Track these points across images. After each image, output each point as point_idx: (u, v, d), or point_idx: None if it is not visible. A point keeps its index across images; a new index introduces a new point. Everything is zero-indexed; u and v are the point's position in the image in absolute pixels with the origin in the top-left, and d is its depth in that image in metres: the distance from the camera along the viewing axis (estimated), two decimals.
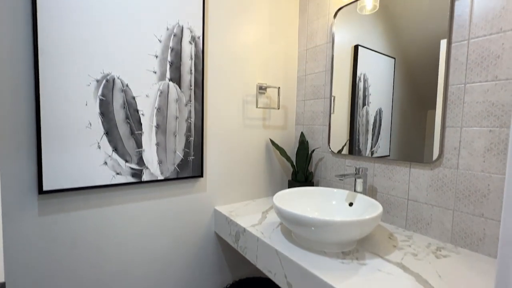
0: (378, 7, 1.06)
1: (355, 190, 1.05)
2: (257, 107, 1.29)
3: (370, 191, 1.10)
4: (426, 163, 0.92)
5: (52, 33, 0.81)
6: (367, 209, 0.92)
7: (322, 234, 0.76)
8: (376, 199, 1.09)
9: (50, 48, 0.81)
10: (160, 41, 1.01)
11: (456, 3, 0.84)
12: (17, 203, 0.80)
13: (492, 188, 0.77)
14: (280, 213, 0.84)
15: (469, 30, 0.81)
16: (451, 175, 0.86)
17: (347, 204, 1.02)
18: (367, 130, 1.12)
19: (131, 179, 0.98)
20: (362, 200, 0.97)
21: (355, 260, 0.75)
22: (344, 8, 1.19)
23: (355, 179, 1.04)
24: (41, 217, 0.84)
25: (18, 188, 0.80)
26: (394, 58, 1.02)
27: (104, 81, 0.90)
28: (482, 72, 0.79)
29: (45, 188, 0.82)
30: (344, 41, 1.20)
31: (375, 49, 1.08)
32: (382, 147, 1.06)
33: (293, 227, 0.82)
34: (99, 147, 0.91)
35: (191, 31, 1.07)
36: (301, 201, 1.05)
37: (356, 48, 1.15)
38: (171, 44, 1.03)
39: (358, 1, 1.13)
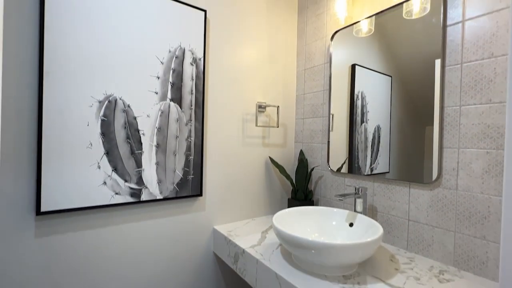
0: (373, 30, 1.10)
1: (355, 210, 1.04)
2: (256, 125, 1.30)
3: (370, 211, 1.10)
4: (425, 184, 0.92)
5: (58, 55, 0.83)
6: (367, 230, 0.91)
7: (322, 257, 0.75)
8: (376, 219, 1.08)
9: (55, 70, 0.83)
10: (162, 63, 1.03)
11: (448, 28, 0.87)
12: (13, 225, 0.79)
13: (493, 210, 0.77)
14: (280, 234, 0.83)
15: (461, 54, 0.84)
16: (451, 196, 0.86)
17: (347, 224, 1.00)
18: (366, 147, 1.13)
19: (130, 199, 0.97)
20: (362, 220, 0.96)
21: (357, 285, 0.74)
22: (341, 31, 1.23)
23: (355, 199, 1.04)
24: (37, 238, 0.83)
25: (15, 209, 0.80)
26: (391, 76, 1.04)
27: (106, 102, 0.92)
28: (476, 95, 0.81)
29: (43, 209, 0.82)
30: (341, 60, 1.23)
31: (371, 68, 1.11)
32: (382, 164, 1.06)
33: (293, 250, 0.80)
34: (99, 167, 0.91)
35: (192, 53, 1.10)
36: (301, 222, 1.04)
37: (353, 67, 1.19)
38: (173, 66, 1.06)
39: (354, 25, 1.17)
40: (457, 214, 0.84)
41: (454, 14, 0.86)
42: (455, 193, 0.85)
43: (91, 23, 0.88)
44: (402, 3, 1.00)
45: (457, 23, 0.85)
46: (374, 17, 1.10)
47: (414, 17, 0.96)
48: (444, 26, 0.88)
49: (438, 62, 0.89)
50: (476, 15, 0.81)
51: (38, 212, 0.81)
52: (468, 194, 0.82)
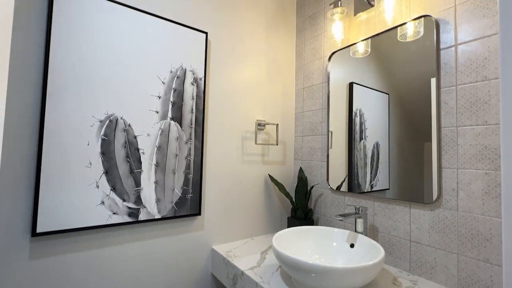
0: (369, 51, 1.14)
1: (355, 230, 1.02)
2: (256, 143, 1.31)
3: (371, 231, 1.08)
4: (426, 204, 0.92)
5: (62, 76, 0.85)
6: (369, 251, 0.89)
7: (323, 281, 0.73)
8: (377, 239, 1.06)
9: (58, 90, 0.85)
10: (163, 82, 1.05)
11: (442, 52, 0.90)
12: (7, 246, 0.78)
13: (495, 232, 0.76)
14: (280, 257, 0.81)
15: (456, 77, 0.86)
16: (452, 217, 0.85)
17: (348, 245, 0.99)
18: (365, 164, 1.13)
19: (128, 219, 0.96)
20: (363, 241, 0.95)
21: None
22: (338, 52, 1.27)
23: (355, 219, 1.03)
24: (32, 260, 0.81)
25: (9, 229, 0.78)
26: (388, 94, 1.06)
27: (107, 121, 0.93)
28: (472, 116, 0.82)
29: (38, 230, 0.80)
30: (339, 79, 1.26)
31: (369, 86, 1.13)
32: (382, 181, 1.06)
33: (293, 273, 0.78)
34: (97, 187, 0.90)
35: (193, 73, 1.13)
36: (301, 242, 1.02)
37: (351, 85, 1.21)
38: (174, 86, 1.08)
39: (351, 46, 1.21)
40: (459, 236, 0.83)
41: (446, 39, 0.89)
42: (456, 214, 0.84)
43: (95, 46, 0.91)
44: (396, 27, 1.04)
45: (450, 47, 0.88)
46: (370, 39, 1.13)
47: (408, 39, 1.00)
48: (438, 49, 0.91)
49: (433, 81, 0.91)
50: (468, 39, 0.84)
51: (34, 233, 0.80)
52: (469, 215, 0.81)
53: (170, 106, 1.07)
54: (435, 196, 0.89)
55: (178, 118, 1.08)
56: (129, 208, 0.96)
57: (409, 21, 0.99)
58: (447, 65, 0.88)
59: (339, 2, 1.17)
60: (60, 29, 0.85)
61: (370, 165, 1.11)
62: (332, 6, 1.19)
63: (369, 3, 1.15)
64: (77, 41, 0.88)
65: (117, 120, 0.95)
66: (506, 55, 0.53)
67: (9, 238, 0.78)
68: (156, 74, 1.04)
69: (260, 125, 1.34)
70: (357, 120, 1.18)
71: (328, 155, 1.29)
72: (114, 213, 0.93)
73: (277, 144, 1.37)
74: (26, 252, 0.80)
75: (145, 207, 1.00)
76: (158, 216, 1.02)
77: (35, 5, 0.83)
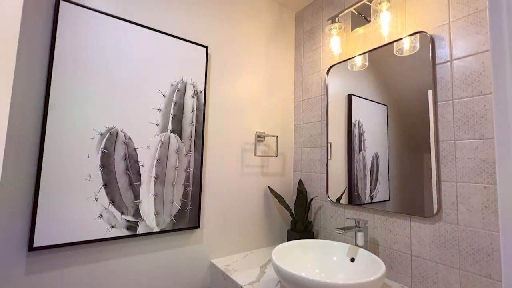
0: (367, 65, 1.16)
1: (356, 244, 1.01)
2: (255, 155, 1.31)
3: (371, 244, 1.07)
4: (426, 217, 0.91)
5: (64, 90, 0.86)
6: (369, 266, 0.88)
7: None
8: (378, 253, 1.05)
9: (60, 104, 0.86)
10: (164, 96, 1.07)
11: (437, 67, 0.92)
12: (2, 261, 0.77)
13: (496, 247, 0.75)
14: (279, 272, 0.80)
15: (452, 91, 0.88)
16: (452, 230, 0.84)
17: (348, 259, 0.97)
18: (365, 175, 1.13)
19: (126, 232, 0.95)
20: (364, 255, 0.93)
21: None
22: (336, 66, 1.29)
23: (355, 232, 1.02)
24: (28, 276, 0.80)
25: (5, 244, 0.77)
26: (386, 106, 1.07)
27: (108, 134, 0.94)
28: (469, 130, 0.83)
29: (35, 244, 0.80)
30: (337, 91, 1.28)
31: (367, 98, 1.15)
32: (382, 192, 1.06)
33: None
34: (96, 200, 0.90)
35: (194, 86, 1.14)
36: (301, 257, 1.01)
37: (349, 97, 1.22)
38: (174, 99, 1.09)
39: (348, 60, 1.23)
40: (460, 251, 0.82)
41: (442, 54, 0.91)
42: (457, 228, 0.84)
43: (97, 59, 0.93)
44: (392, 42, 1.06)
45: (446, 62, 0.90)
46: (367, 53, 1.16)
47: (405, 54, 1.02)
48: (434, 64, 0.93)
49: (430, 93, 0.92)
50: (463, 55, 0.86)
51: (31, 247, 0.79)
52: (470, 229, 0.81)
53: (171, 118, 1.08)
54: (435, 209, 0.89)
55: (178, 130, 1.09)
56: (128, 221, 0.96)
57: (405, 37, 1.01)
58: (443, 79, 0.90)
59: (337, 18, 1.20)
60: (63, 45, 0.87)
61: (370, 176, 1.11)
62: (329, 21, 1.22)
63: (365, 19, 1.18)
64: (79, 58, 0.90)
65: (117, 132, 0.96)
66: (497, 73, 0.54)
67: (5, 252, 0.77)
68: (157, 87, 1.05)
69: (260, 137, 1.35)
70: (356, 131, 1.19)
71: (327, 167, 1.29)
72: (113, 227, 0.92)
73: (276, 156, 1.38)
74: (22, 267, 0.79)
75: (143, 220, 0.99)
76: (156, 229, 1.01)
77: (41, 19, 0.85)
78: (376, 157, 1.10)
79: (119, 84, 0.97)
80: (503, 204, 0.47)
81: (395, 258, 0.99)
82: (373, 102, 1.12)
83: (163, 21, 1.10)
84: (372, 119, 1.12)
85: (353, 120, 1.20)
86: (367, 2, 1.14)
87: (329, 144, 1.30)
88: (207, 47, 1.18)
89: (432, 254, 0.89)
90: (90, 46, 0.92)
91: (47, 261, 0.83)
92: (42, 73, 0.85)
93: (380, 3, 1.05)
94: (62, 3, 0.87)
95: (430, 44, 0.93)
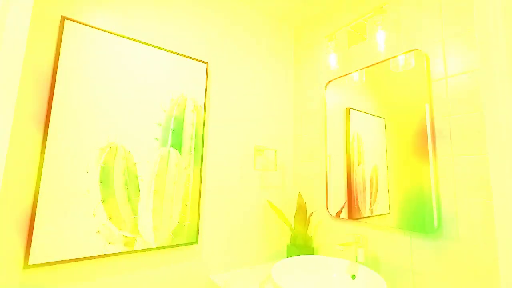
0: (364, 80, 1.18)
1: (356, 260, 1.00)
2: (255, 168, 1.31)
3: (372, 261, 1.05)
4: (427, 233, 0.90)
5: (66, 104, 0.88)
6: (370, 284, 0.87)
7: None
8: (379, 270, 1.03)
9: (61, 118, 0.87)
10: (164, 110, 1.08)
11: (433, 83, 0.94)
12: None
13: (498, 263, 0.74)
14: None
15: (448, 107, 0.89)
16: (454, 247, 0.84)
17: (349, 276, 0.96)
18: (364, 188, 1.13)
19: (124, 248, 0.94)
20: (365, 273, 0.92)
21: None
22: (334, 81, 1.32)
23: (356, 248, 1.00)
24: None
25: (1, 261, 0.76)
26: (384, 119, 1.09)
27: (107, 149, 0.94)
28: (467, 146, 0.83)
29: (31, 261, 0.78)
30: (336, 105, 1.29)
31: (365, 111, 1.16)
32: (382, 204, 1.05)
33: None
34: (94, 215, 0.89)
35: (193, 101, 1.16)
36: (301, 274, 0.99)
37: (348, 110, 1.24)
38: (174, 113, 1.10)
39: (346, 76, 1.26)
40: (462, 267, 0.81)
41: (437, 71, 0.93)
42: (458, 244, 0.83)
43: (98, 76, 0.95)
44: (388, 59, 1.08)
45: (441, 79, 0.92)
46: (364, 69, 1.18)
47: (401, 70, 1.04)
48: (429, 81, 0.95)
49: (427, 106, 0.94)
50: (458, 72, 0.88)
51: (26, 265, 0.78)
52: (471, 246, 0.80)
53: (170, 133, 1.09)
54: (435, 225, 0.88)
55: (178, 144, 1.10)
56: (125, 237, 0.95)
57: (400, 54, 1.04)
58: (439, 96, 0.92)
59: (333, 36, 1.23)
60: (67, 61, 0.89)
61: (370, 189, 1.11)
62: (327, 39, 1.25)
63: (362, 36, 1.21)
64: (81, 71, 0.91)
65: (117, 147, 0.96)
66: (487, 91, 0.55)
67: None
68: (157, 102, 1.07)
69: (259, 151, 1.36)
70: (355, 144, 1.19)
71: (327, 180, 1.29)
72: (110, 243, 0.91)
73: (275, 170, 1.38)
74: (16, 285, 0.77)
75: (141, 235, 0.98)
76: (154, 245, 1.00)
77: (46, 36, 0.87)
78: (375, 169, 1.10)
79: (120, 99, 0.98)
80: (500, 219, 0.47)
81: (396, 276, 0.97)
82: (371, 116, 1.14)
83: (164, 38, 1.13)
84: (370, 132, 1.13)
85: (352, 133, 1.21)
86: (363, 21, 1.18)
87: (328, 157, 1.30)
88: (207, 63, 1.21)
89: (434, 272, 0.87)
90: (92, 62, 0.94)
91: (43, 278, 0.81)
92: (44, 88, 0.86)
93: (375, 22, 1.08)
94: (67, 22, 0.90)
95: (425, 62, 0.96)
